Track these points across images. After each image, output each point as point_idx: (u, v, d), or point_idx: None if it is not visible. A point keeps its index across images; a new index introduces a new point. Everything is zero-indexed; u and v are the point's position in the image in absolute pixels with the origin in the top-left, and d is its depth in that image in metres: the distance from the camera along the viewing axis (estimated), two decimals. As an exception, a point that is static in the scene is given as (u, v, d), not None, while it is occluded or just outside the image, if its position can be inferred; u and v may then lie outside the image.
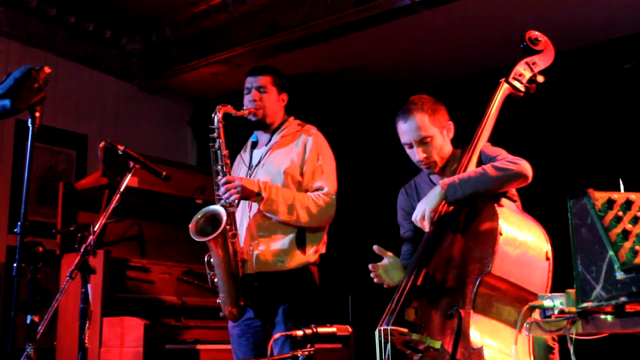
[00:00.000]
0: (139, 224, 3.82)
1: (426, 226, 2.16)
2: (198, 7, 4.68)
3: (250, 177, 2.84)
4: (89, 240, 2.38)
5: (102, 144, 2.73)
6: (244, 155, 3.00)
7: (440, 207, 2.18)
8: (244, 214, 2.82)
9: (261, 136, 2.96)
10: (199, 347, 3.40)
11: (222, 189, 2.68)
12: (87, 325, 2.29)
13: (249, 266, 2.74)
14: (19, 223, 1.88)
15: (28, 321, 1.95)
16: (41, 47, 4.67)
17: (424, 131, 2.31)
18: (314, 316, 2.64)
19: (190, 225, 2.66)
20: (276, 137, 2.89)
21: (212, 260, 2.72)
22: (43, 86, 1.92)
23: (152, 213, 3.78)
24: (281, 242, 2.74)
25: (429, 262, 2.18)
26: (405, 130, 2.34)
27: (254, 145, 2.98)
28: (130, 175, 2.64)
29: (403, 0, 3.91)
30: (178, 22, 4.86)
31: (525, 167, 2.16)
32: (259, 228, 2.77)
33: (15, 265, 1.85)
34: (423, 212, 2.16)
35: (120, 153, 2.67)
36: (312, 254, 2.78)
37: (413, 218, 2.20)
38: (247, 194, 2.67)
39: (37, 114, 1.92)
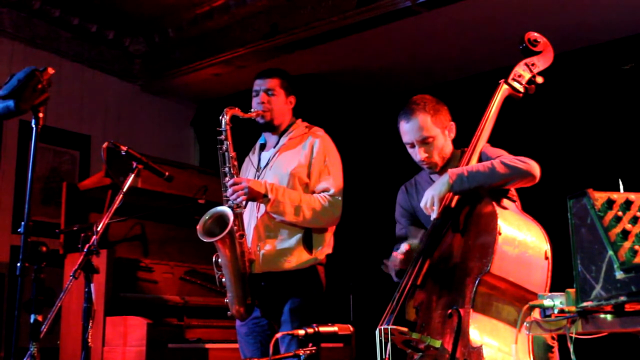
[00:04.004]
0: (142, 224, 3.83)
1: (434, 213, 2.18)
2: (200, 9, 4.69)
3: (258, 178, 2.87)
4: (92, 240, 2.39)
5: (105, 145, 2.74)
6: (252, 157, 3.03)
7: (447, 196, 2.20)
8: (252, 214, 2.85)
9: (269, 138, 2.98)
10: (201, 346, 3.42)
11: (230, 191, 2.71)
12: (90, 324, 2.30)
13: (256, 266, 2.77)
14: (22, 223, 1.89)
15: (31, 320, 1.96)
16: (45, 49, 4.69)
17: (426, 131, 2.33)
18: (320, 315, 2.66)
19: (197, 226, 2.69)
20: (284, 139, 2.91)
21: (219, 260, 2.75)
22: (46, 87, 1.93)
23: (155, 213, 3.80)
24: (288, 242, 2.77)
25: (432, 254, 2.19)
26: (407, 130, 2.36)
27: (262, 147, 3.01)
28: (133, 175, 2.65)
29: (404, 2, 3.92)
30: (180, 23, 4.88)
31: (534, 167, 2.18)
32: (267, 228, 2.79)
33: (19, 264, 1.86)
34: (432, 199, 2.18)
35: (123, 153, 2.68)
36: (318, 254, 2.81)
37: (421, 204, 2.22)
38: (254, 195, 2.70)
39: (41, 115, 1.94)
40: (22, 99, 1.89)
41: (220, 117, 2.80)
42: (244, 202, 2.74)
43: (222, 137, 2.79)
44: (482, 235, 2.08)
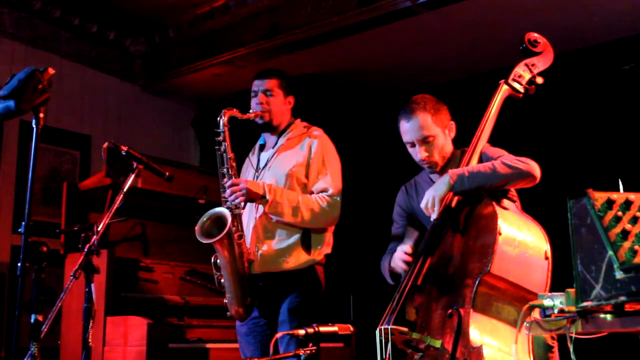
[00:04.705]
0: (143, 224, 3.84)
1: (434, 213, 2.18)
2: (201, 9, 4.70)
3: (257, 179, 2.87)
4: (92, 240, 2.40)
5: (105, 145, 2.75)
6: (252, 157, 3.03)
7: (447, 196, 2.20)
8: (251, 215, 2.86)
9: (268, 138, 2.99)
10: (202, 346, 3.42)
11: (228, 192, 2.72)
12: (90, 324, 2.30)
13: (255, 266, 2.77)
14: (23, 223, 1.90)
15: (32, 320, 1.96)
16: (45, 49, 4.70)
17: (426, 130, 2.34)
18: (319, 315, 2.66)
19: (196, 228, 2.69)
20: (282, 140, 2.91)
21: (218, 261, 2.75)
22: (47, 87, 1.94)
23: (156, 213, 3.80)
24: (286, 242, 2.77)
25: (433, 253, 2.19)
26: (407, 129, 2.36)
27: (262, 147, 3.02)
28: (133, 175, 2.65)
29: (404, 2, 3.92)
30: (181, 23, 4.88)
31: (535, 167, 2.19)
32: (265, 229, 2.80)
33: (19, 264, 1.87)
34: (432, 199, 2.18)
35: (124, 153, 2.68)
36: (317, 254, 2.81)
37: (422, 205, 2.22)
38: (252, 197, 2.71)
39: (41, 115, 1.94)
40: (22, 99, 1.89)
41: (218, 119, 2.80)
42: (242, 204, 2.75)
43: (220, 138, 2.79)
44: (482, 235, 2.08)
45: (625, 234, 1.41)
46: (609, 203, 1.44)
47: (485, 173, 2.17)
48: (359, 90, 5.17)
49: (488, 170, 2.17)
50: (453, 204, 2.22)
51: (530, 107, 3.07)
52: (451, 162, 2.40)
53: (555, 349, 2.11)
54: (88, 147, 4.93)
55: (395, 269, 2.30)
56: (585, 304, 1.43)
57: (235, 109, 2.83)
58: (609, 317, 1.45)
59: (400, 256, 2.25)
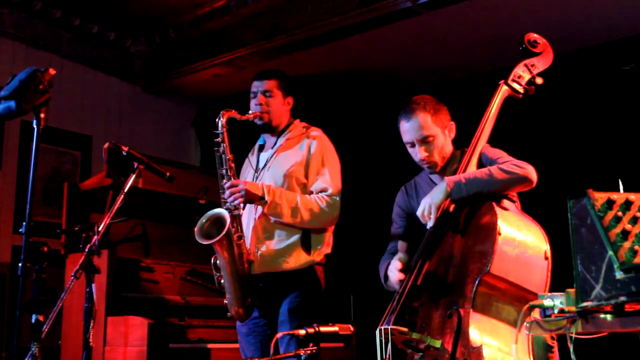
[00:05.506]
0: (143, 224, 3.84)
1: (430, 221, 2.18)
2: (201, 9, 4.70)
3: (256, 179, 2.87)
4: (93, 240, 2.40)
5: (106, 145, 2.76)
6: (252, 157, 3.04)
7: (444, 204, 2.20)
8: (250, 216, 2.86)
9: (268, 139, 2.99)
10: (203, 346, 3.43)
11: (227, 193, 2.73)
12: (91, 324, 2.31)
13: (255, 267, 2.77)
14: (24, 223, 1.90)
15: (33, 320, 1.96)
16: (46, 49, 4.70)
17: (426, 130, 2.34)
18: (319, 315, 2.67)
19: (195, 229, 2.70)
20: (281, 140, 2.92)
21: (218, 262, 2.75)
22: (48, 87, 1.94)
23: (156, 213, 3.80)
24: (286, 242, 2.78)
25: (431, 256, 2.20)
26: (407, 129, 2.37)
27: (261, 148, 3.02)
28: (134, 175, 2.66)
29: (405, 3, 3.93)
30: (182, 24, 4.89)
31: (531, 171, 2.19)
32: (265, 229, 2.80)
33: (20, 264, 1.87)
34: (429, 207, 2.18)
35: (125, 154, 2.69)
36: (317, 254, 2.82)
37: (418, 213, 2.22)
38: (251, 198, 2.71)
39: (42, 115, 1.94)
40: (23, 99, 1.89)
41: (217, 120, 2.81)
42: (241, 205, 2.75)
43: (219, 139, 2.80)
44: (482, 235, 2.08)
45: (625, 234, 1.41)
46: (609, 203, 1.44)
47: (482, 179, 2.16)
48: (359, 90, 5.17)
49: (485, 176, 2.16)
50: (451, 209, 2.22)
51: (530, 108, 3.08)
52: (451, 162, 2.40)
53: (555, 349, 2.11)
54: (89, 147, 4.94)
55: (389, 279, 2.31)
56: (585, 304, 1.44)
57: (233, 110, 2.83)
58: (609, 317, 1.45)
59: (396, 276, 2.25)
